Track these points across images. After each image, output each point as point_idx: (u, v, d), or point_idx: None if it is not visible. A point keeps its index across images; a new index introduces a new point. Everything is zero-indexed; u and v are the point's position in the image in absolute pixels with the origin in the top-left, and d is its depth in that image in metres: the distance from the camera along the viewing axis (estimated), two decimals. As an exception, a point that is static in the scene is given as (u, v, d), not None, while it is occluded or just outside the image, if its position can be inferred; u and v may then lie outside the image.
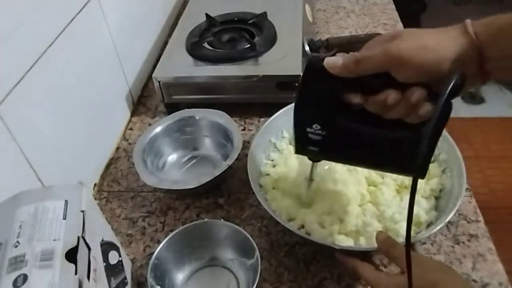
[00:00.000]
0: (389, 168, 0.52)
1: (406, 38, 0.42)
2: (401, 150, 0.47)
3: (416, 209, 0.57)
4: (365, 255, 0.60)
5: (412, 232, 0.40)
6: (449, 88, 0.39)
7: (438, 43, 0.42)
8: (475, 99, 2.22)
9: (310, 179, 0.62)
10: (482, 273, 0.59)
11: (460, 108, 2.05)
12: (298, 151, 0.54)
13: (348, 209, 0.63)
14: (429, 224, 0.61)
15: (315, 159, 0.58)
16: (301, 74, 0.48)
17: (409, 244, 0.40)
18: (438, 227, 0.55)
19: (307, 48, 0.89)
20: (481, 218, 0.66)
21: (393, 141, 0.47)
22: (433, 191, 0.65)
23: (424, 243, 0.63)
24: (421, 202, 0.63)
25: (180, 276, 0.60)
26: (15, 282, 0.38)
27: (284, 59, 0.84)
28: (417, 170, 0.41)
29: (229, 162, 0.69)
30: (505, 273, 0.59)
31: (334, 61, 0.44)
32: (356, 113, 0.47)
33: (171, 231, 0.63)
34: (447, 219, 0.56)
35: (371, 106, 0.45)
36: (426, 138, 0.39)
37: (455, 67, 0.41)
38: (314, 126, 0.49)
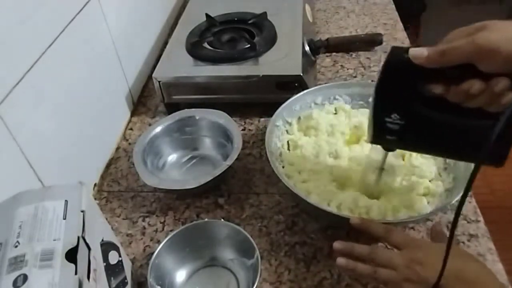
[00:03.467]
0: (466, 156, 0.53)
1: (494, 29, 0.43)
2: (480, 138, 0.46)
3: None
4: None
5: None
6: None
7: None
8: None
9: (381, 168, 0.62)
10: (482, 273, 0.59)
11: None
12: (374, 140, 0.55)
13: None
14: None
15: (390, 148, 0.58)
16: (383, 65, 0.49)
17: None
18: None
19: (307, 48, 0.89)
20: (481, 218, 0.66)
21: (473, 129, 0.48)
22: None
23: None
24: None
25: (180, 276, 0.60)
26: (15, 282, 0.38)
27: (284, 59, 0.84)
28: (498, 158, 0.44)
29: (229, 162, 0.69)
30: (505, 273, 0.59)
31: (419, 52, 0.45)
32: (436, 102, 0.48)
33: (171, 231, 0.63)
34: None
35: (453, 96, 0.46)
36: (503, 123, 0.39)
37: None
38: (393, 115, 0.50)
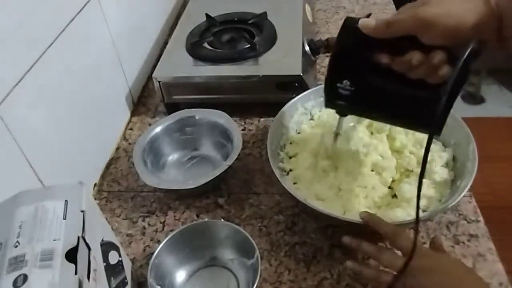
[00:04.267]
0: (409, 123, 0.57)
1: (434, 4, 0.46)
2: (421, 107, 0.51)
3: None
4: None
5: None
6: (467, 52, 0.43)
7: (461, 10, 0.45)
8: (475, 99, 2.22)
9: (337, 133, 0.66)
10: (482, 273, 0.59)
11: (460, 108, 2.04)
12: (327, 104, 0.59)
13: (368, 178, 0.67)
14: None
15: (342, 113, 0.62)
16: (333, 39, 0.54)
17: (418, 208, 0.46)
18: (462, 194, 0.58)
19: (307, 48, 0.89)
20: (481, 218, 0.66)
21: (414, 98, 0.52)
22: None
23: (424, 243, 0.63)
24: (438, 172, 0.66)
25: (180, 276, 0.60)
26: (15, 282, 0.38)
27: (284, 59, 0.84)
28: (434, 125, 0.46)
29: (229, 162, 0.69)
30: (505, 273, 0.59)
31: (368, 22, 0.49)
32: (383, 71, 0.51)
33: (171, 231, 0.63)
34: (468, 186, 0.59)
35: (397, 66, 0.49)
36: (445, 95, 0.43)
37: (474, 33, 0.44)
38: (344, 81, 0.54)
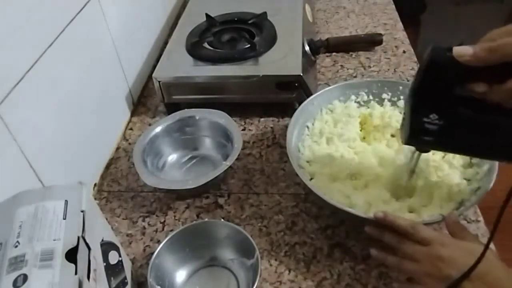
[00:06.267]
0: (506, 156, 0.52)
1: None
2: None
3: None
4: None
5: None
6: None
7: None
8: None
9: (413, 170, 0.61)
10: (482, 273, 0.59)
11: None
12: (409, 141, 0.54)
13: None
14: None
15: (425, 149, 0.57)
16: (421, 67, 0.48)
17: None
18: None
19: (307, 48, 0.89)
20: (481, 218, 0.66)
21: None
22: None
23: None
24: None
25: (180, 276, 0.60)
26: (15, 282, 0.38)
27: (284, 59, 0.84)
28: None
29: (229, 162, 0.69)
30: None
31: (464, 50, 0.45)
32: (476, 102, 0.47)
33: (171, 231, 0.63)
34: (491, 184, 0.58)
35: (496, 95, 0.46)
36: None
37: None
38: (431, 116, 0.49)
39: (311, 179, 0.68)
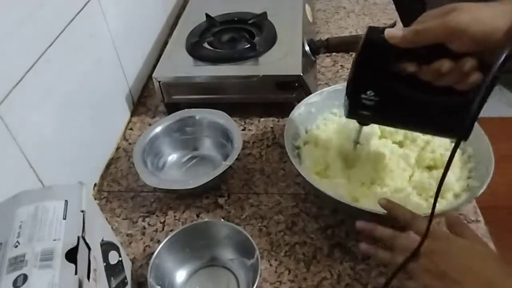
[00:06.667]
0: (436, 130, 0.57)
1: (464, 11, 0.45)
2: (450, 113, 0.51)
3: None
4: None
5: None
6: (502, 58, 0.43)
7: (491, 15, 0.45)
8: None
9: (356, 142, 0.66)
10: (482, 273, 0.59)
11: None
12: (349, 115, 0.58)
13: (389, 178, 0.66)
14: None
15: (364, 123, 0.62)
16: (360, 45, 0.52)
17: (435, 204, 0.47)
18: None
19: (307, 48, 0.89)
20: (481, 218, 0.66)
21: (443, 105, 0.52)
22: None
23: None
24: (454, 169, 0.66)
25: (180, 276, 0.60)
26: (15, 282, 0.38)
27: (284, 59, 0.84)
28: (465, 131, 0.48)
29: (229, 162, 0.69)
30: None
31: (394, 32, 0.48)
32: (408, 80, 0.51)
33: (171, 231, 0.63)
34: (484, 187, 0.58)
35: (425, 74, 0.49)
36: (477, 103, 0.44)
37: (506, 38, 0.44)
38: (368, 92, 0.54)
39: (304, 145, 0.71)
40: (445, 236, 0.50)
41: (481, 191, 0.58)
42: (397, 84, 0.52)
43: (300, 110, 0.74)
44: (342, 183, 0.66)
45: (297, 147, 0.72)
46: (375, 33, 0.50)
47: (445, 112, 0.52)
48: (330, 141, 0.72)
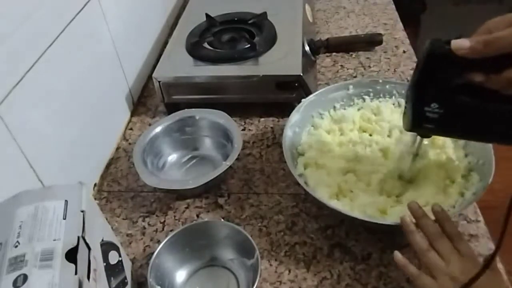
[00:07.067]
0: (505, 141, 0.55)
1: None
2: None
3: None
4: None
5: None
6: None
7: None
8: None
9: (416, 154, 0.64)
10: (482, 273, 0.59)
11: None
12: (411, 128, 0.57)
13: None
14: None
15: (426, 135, 0.60)
16: (422, 58, 0.51)
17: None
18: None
19: (307, 48, 0.89)
20: (481, 218, 0.66)
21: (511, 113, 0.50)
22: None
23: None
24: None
25: (180, 276, 0.60)
26: (15, 282, 0.38)
27: (284, 59, 0.84)
28: None
29: (229, 162, 0.69)
30: (505, 273, 0.58)
31: (461, 43, 0.47)
32: (475, 90, 0.49)
33: (171, 231, 0.63)
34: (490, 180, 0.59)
35: (493, 84, 0.48)
36: None
37: None
38: (432, 105, 0.52)
39: (305, 169, 0.70)
40: (468, 263, 0.50)
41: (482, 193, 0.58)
42: (463, 95, 0.51)
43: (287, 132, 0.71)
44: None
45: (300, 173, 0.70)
46: (439, 44, 0.49)
47: None
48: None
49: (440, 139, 0.70)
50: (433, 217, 0.55)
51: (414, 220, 0.55)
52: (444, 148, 0.70)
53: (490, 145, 0.64)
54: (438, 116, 0.52)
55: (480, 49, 0.46)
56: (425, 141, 0.62)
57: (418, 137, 0.61)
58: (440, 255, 0.51)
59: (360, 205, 0.64)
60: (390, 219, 0.61)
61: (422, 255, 0.52)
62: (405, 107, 0.56)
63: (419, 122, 0.54)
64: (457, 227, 0.54)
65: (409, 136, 0.62)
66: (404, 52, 1.00)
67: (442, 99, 0.52)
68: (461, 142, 0.70)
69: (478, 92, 0.49)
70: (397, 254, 0.54)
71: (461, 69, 0.49)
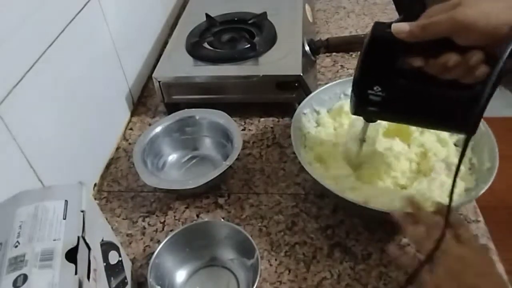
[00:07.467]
0: (443, 125, 0.56)
1: (470, 4, 0.45)
2: (457, 107, 0.51)
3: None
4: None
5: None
6: (508, 50, 0.43)
7: (498, 9, 0.45)
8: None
9: (362, 140, 0.65)
10: (482, 273, 0.59)
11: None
12: (356, 112, 0.58)
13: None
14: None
15: (371, 119, 0.61)
16: (365, 42, 0.51)
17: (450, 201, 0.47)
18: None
19: (307, 48, 0.89)
20: (481, 218, 0.66)
21: (450, 99, 0.52)
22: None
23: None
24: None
25: (180, 276, 0.60)
26: (15, 282, 0.38)
27: (284, 59, 0.84)
28: (472, 125, 0.48)
29: (229, 162, 0.69)
30: (505, 273, 0.58)
31: (401, 27, 0.48)
32: (414, 75, 0.51)
33: (171, 231, 0.63)
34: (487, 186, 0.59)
35: (431, 68, 0.49)
36: (485, 96, 0.44)
37: None
38: (375, 88, 0.53)
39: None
40: (464, 256, 0.49)
41: (483, 191, 0.58)
42: (403, 79, 0.52)
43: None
44: (348, 179, 0.66)
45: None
46: (381, 28, 0.50)
47: (452, 106, 0.52)
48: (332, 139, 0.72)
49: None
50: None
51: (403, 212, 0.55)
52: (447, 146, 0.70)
53: (493, 136, 0.64)
54: (381, 100, 0.53)
55: (418, 33, 0.47)
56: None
57: (364, 122, 0.62)
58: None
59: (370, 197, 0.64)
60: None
61: (419, 246, 0.52)
62: (351, 91, 0.57)
63: (363, 106, 0.55)
64: (431, 216, 0.54)
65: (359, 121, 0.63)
66: (404, 52, 1.00)
67: (384, 82, 0.53)
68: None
69: (418, 77, 0.50)
70: (390, 247, 0.55)
71: (402, 53, 0.50)
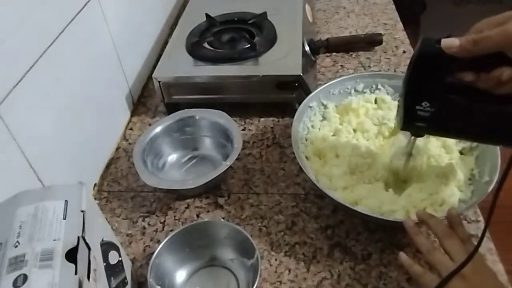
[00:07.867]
0: (497, 140, 0.56)
1: None
2: (509, 122, 0.51)
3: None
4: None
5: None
6: None
7: None
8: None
9: (409, 153, 0.64)
10: (482, 273, 0.59)
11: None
12: (404, 127, 0.57)
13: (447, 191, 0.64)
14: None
15: (419, 134, 0.60)
16: (413, 57, 0.51)
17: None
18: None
19: (307, 48, 0.89)
20: (481, 218, 0.66)
21: (501, 113, 0.51)
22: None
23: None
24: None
25: (180, 276, 0.60)
26: (15, 282, 0.38)
27: (284, 59, 0.84)
28: None
29: (229, 162, 0.69)
30: (505, 273, 0.59)
31: (451, 42, 0.48)
32: (465, 89, 0.50)
33: (171, 231, 0.63)
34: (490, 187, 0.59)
35: (483, 83, 0.48)
36: None
37: None
38: (423, 103, 0.52)
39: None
40: (474, 265, 0.49)
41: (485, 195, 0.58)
42: (453, 94, 0.51)
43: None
44: (343, 178, 0.66)
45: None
46: (429, 43, 0.50)
47: (505, 121, 0.51)
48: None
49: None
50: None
51: (416, 220, 0.55)
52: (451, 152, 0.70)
53: (498, 150, 0.63)
54: (430, 115, 0.53)
55: (469, 48, 0.46)
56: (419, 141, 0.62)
57: (412, 137, 0.61)
58: (448, 253, 0.51)
59: (361, 198, 0.64)
60: (392, 214, 0.61)
61: (428, 254, 0.52)
62: (398, 106, 0.57)
63: (411, 121, 0.55)
64: (442, 225, 0.54)
65: (404, 135, 0.62)
66: (404, 52, 1.00)
67: (433, 97, 0.52)
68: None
69: (469, 92, 0.50)
70: (402, 255, 0.54)
71: (452, 68, 0.50)
